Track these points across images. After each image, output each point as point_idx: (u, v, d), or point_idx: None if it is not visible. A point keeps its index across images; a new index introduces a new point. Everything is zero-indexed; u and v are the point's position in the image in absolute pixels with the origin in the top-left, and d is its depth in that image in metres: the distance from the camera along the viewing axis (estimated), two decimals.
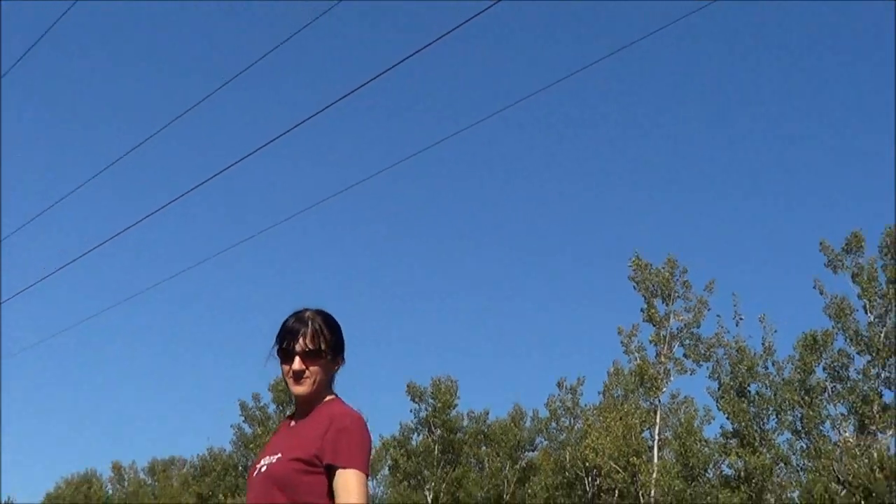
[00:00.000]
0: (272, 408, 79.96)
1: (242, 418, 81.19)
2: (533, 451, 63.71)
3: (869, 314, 48.35)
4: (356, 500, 5.24)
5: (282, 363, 5.58)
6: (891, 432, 47.90)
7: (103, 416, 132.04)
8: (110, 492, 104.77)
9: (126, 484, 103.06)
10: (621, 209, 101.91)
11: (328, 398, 5.66)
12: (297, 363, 5.48)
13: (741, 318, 51.54)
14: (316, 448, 5.38)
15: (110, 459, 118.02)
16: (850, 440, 47.86)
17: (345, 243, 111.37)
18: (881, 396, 48.01)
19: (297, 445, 5.52)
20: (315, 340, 5.52)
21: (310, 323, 5.58)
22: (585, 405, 60.90)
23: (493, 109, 75.14)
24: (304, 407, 5.67)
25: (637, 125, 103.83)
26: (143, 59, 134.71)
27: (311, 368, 5.53)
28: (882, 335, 47.71)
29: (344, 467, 5.26)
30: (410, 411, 68.35)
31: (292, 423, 5.83)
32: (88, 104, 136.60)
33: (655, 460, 52.61)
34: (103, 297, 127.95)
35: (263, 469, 5.63)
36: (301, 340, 5.49)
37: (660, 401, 54.05)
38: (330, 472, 5.25)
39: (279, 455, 5.54)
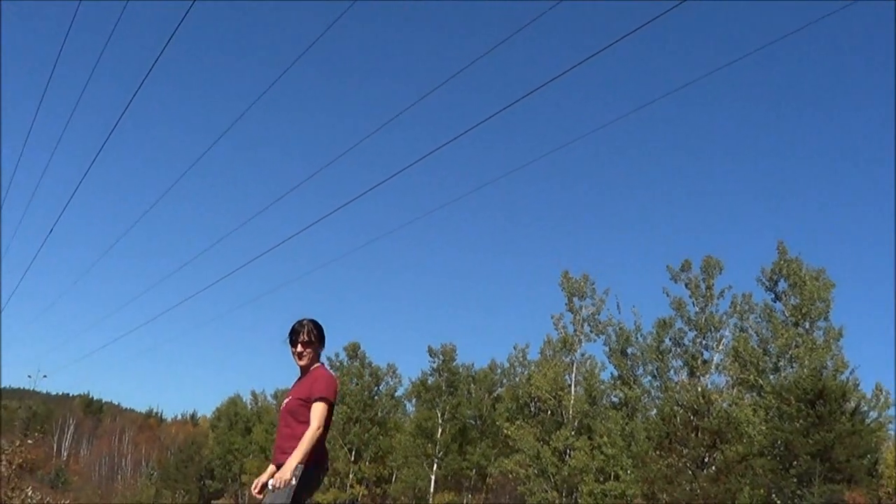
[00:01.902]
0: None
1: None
2: (501, 387, 75.96)
3: (695, 307, 61.12)
4: (315, 422, 8.38)
5: (291, 347, 8.86)
6: (708, 376, 60.37)
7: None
8: (249, 408, 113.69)
9: (258, 404, 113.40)
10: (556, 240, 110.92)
11: (315, 366, 8.93)
12: (299, 347, 8.80)
13: (620, 309, 67.58)
14: (307, 391, 8.62)
15: (250, 388, 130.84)
16: (685, 381, 60.55)
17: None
18: (702, 355, 60.76)
19: (298, 391, 8.76)
20: (308, 335, 8.84)
21: (305, 326, 8.90)
22: (530, 360, 74.09)
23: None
24: (304, 371, 8.91)
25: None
26: None
27: (307, 351, 8.86)
28: (703, 320, 60.83)
29: (315, 399, 8.47)
30: (428, 363, 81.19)
31: (298, 379, 8.96)
32: None
33: (573, 393, 65.78)
34: None
35: (283, 406, 8.86)
36: (298, 339, 8.83)
37: (575, 358, 67.46)
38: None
39: (290, 397, 8.82)
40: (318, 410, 8.33)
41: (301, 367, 8.88)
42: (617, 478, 60.68)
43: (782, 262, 59.43)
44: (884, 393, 57.06)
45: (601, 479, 61.09)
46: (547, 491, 63.13)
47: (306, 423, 8.38)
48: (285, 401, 8.87)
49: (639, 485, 57.65)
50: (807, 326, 57.94)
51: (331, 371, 8.86)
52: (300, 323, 8.87)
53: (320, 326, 8.93)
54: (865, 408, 54.65)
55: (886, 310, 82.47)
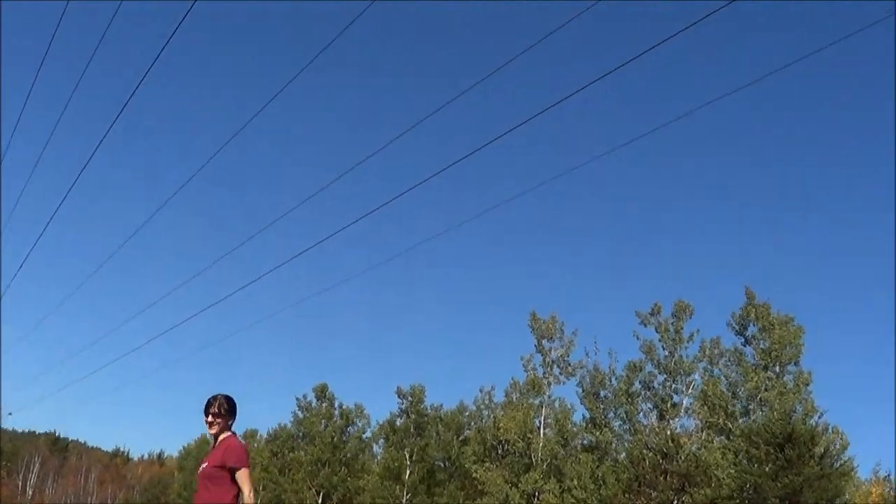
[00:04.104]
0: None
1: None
2: (469, 429, 73.78)
3: (665, 351, 59.95)
4: (247, 487, 9.31)
5: (204, 417, 9.61)
6: (677, 420, 59.15)
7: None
8: None
9: None
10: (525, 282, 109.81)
11: (225, 435, 9.68)
12: (210, 418, 9.64)
13: (597, 350, 64.27)
14: (220, 459, 9.38)
15: None
16: (654, 424, 59.27)
17: None
18: (672, 399, 59.46)
19: (213, 458, 9.48)
20: (219, 409, 9.68)
21: (217, 400, 9.70)
22: (496, 402, 72.38)
23: None
24: (214, 439, 9.68)
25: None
26: None
27: (216, 421, 9.62)
28: (673, 364, 59.52)
29: (236, 469, 9.28)
30: (397, 404, 79.87)
31: (210, 446, 9.77)
32: None
33: (542, 435, 64.57)
34: None
35: (200, 471, 9.55)
36: (210, 410, 9.66)
37: (544, 400, 66.31)
38: (231, 471, 9.27)
39: (206, 463, 9.46)
40: (245, 477, 9.30)
41: (212, 435, 9.76)
42: None
43: (751, 307, 58.58)
44: (840, 436, 55.49)
45: None
46: None
47: (223, 487, 9.33)
48: (202, 466, 9.67)
49: None
50: (777, 370, 57.05)
51: (240, 440, 9.78)
52: (213, 397, 9.77)
53: (232, 402, 9.81)
54: (835, 451, 53.55)
55: (852, 355, 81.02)
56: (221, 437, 9.69)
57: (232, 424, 9.79)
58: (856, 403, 79.71)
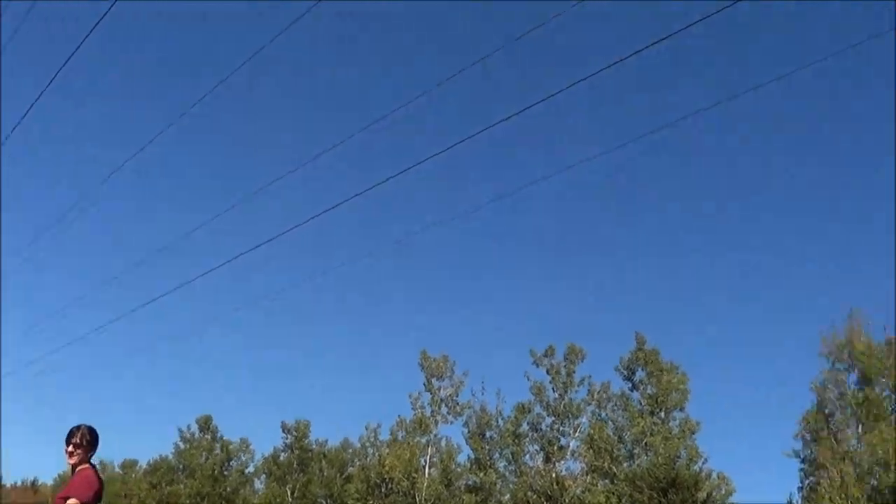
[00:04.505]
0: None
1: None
2: (353, 466, 71.63)
3: (555, 393, 59.57)
4: None
5: (65, 446, 9.53)
6: (563, 462, 58.82)
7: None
8: None
9: (105, 473, 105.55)
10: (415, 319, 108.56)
11: (81, 467, 9.57)
12: (70, 447, 9.55)
13: (484, 390, 62.87)
14: (67, 491, 9.41)
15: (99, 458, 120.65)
16: (540, 466, 58.89)
17: None
18: (559, 441, 59.18)
19: (66, 489, 9.51)
20: (80, 440, 9.55)
21: (80, 430, 9.60)
22: (381, 440, 70.00)
23: None
24: (72, 470, 9.62)
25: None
26: None
27: (76, 452, 9.52)
28: (562, 406, 59.22)
29: (72, 497, 9.23)
30: (281, 439, 77.75)
31: (70, 477, 9.74)
32: None
33: (427, 474, 63.36)
34: None
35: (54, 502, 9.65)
36: (71, 440, 9.55)
37: (430, 439, 64.95)
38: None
39: (59, 495, 9.56)
40: None
41: (70, 465, 9.62)
42: None
43: (640, 353, 58.44)
44: (725, 482, 55.63)
45: None
46: None
47: None
48: (57, 497, 9.52)
49: None
50: (662, 416, 56.86)
51: (96, 473, 9.55)
52: (77, 427, 9.62)
53: (94, 433, 9.64)
54: (718, 497, 54.02)
55: (731, 403, 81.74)
56: (79, 468, 9.60)
57: (91, 456, 9.67)
58: (743, 451, 79.77)
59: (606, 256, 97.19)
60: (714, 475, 55.16)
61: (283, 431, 74.53)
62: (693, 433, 55.99)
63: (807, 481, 50.71)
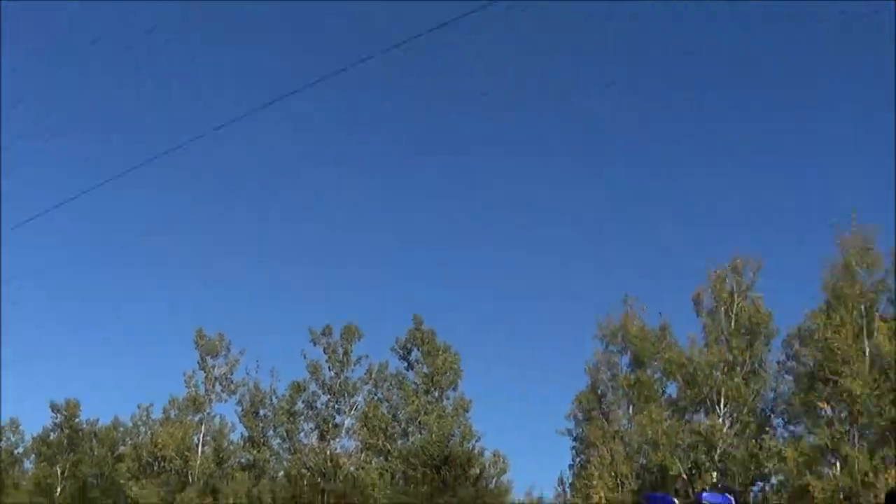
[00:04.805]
0: None
1: None
2: (124, 445, 59.50)
3: (331, 372, 50.42)
4: None
5: None
6: (338, 440, 50.16)
7: None
8: None
9: None
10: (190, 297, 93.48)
11: None
12: None
13: (258, 368, 52.76)
14: None
15: None
16: (314, 444, 50.23)
17: None
18: (334, 420, 50.37)
19: None
20: None
21: None
22: (154, 419, 57.67)
23: None
24: None
25: None
26: None
27: None
28: (338, 385, 50.21)
29: None
30: (50, 419, 63.85)
31: None
32: None
33: (200, 453, 53.40)
34: None
35: None
36: None
37: (204, 417, 54.41)
38: None
39: None
40: None
41: None
42: None
43: (416, 333, 50.41)
44: (501, 459, 48.52)
45: None
46: None
47: None
48: None
49: None
50: (436, 395, 49.28)
51: None
52: None
53: None
54: (489, 474, 46.06)
55: (505, 380, 72.35)
56: None
57: None
58: (519, 431, 70.64)
59: (384, 237, 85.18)
60: (487, 453, 48.21)
61: (53, 411, 61.56)
62: (466, 411, 48.67)
63: (578, 459, 44.09)
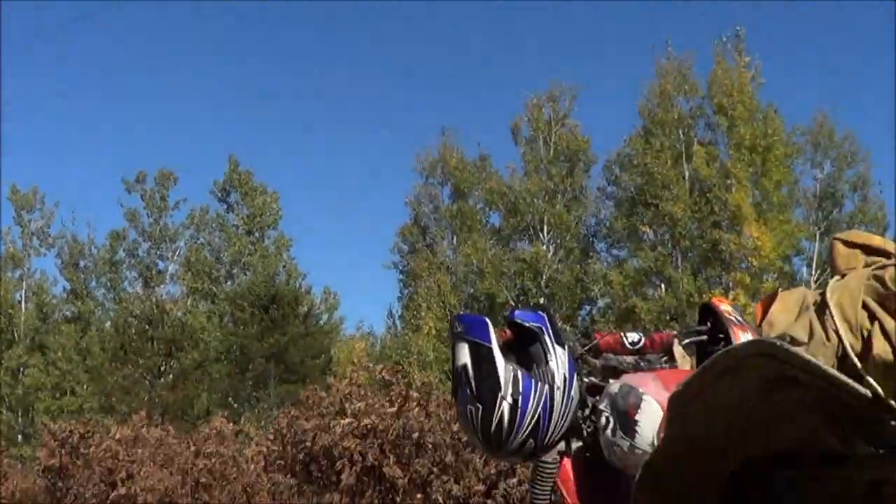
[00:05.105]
0: None
1: None
2: None
3: (150, 219, 41.45)
4: None
5: None
6: (163, 287, 41.84)
7: None
8: None
9: None
10: None
11: None
12: None
13: (74, 220, 43.15)
14: None
15: None
16: (139, 292, 41.93)
17: None
18: (157, 266, 41.93)
19: None
20: None
21: None
22: None
23: None
24: None
25: None
26: None
27: None
28: (158, 231, 41.40)
29: None
30: None
31: None
32: None
33: (23, 309, 43.18)
34: None
35: None
36: None
37: (24, 273, 43.76)
38: None
39: None
40: None
41: None
42: (73, 392, 40.65)
43: (234, 175, 41.43)
44: (332, 295, 41.14)
45: (57, 395, 40.83)
46: (2, 412, 41.22)
47: None
48: None
49: (96, 398, 39.07)
50: (258, 236, 41.22)
51: None
52: None
53: None
54: (318, 311, 39.54)
55: (328, 219, 63.06)
56: None
57: None
58: (348, 266, 62.02)
59: (195, 80, 69.85)
60: (318, 290, 40.75)
61: None
62: (288, 249, 41.05)
63: (406, 291, 37.44)
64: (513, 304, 31.56)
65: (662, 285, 28.53)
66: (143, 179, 41.15)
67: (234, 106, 60.83)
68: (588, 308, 32.28)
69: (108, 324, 42.26)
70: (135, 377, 39.71)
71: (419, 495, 5.05)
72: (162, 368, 39.88)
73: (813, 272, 28.98)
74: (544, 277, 31.24)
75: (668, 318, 27.69)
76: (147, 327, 41.37)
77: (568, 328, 29.66)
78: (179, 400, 38.35)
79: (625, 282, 28.78)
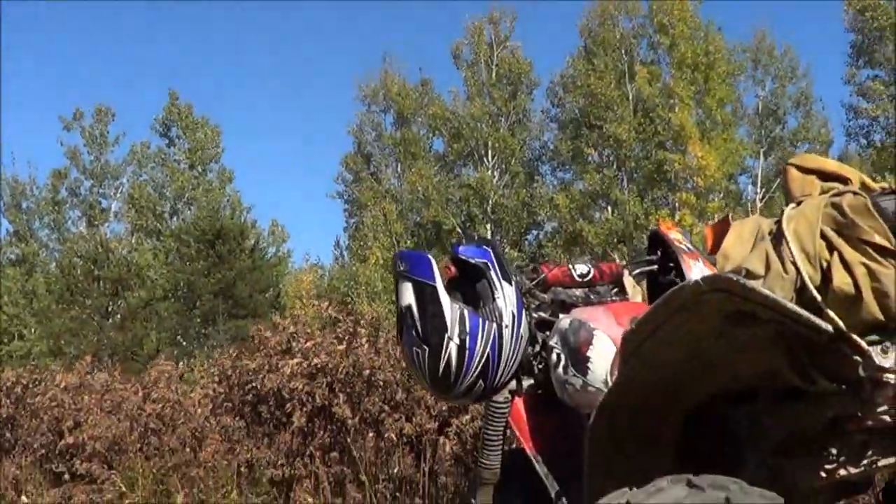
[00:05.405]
0: None
1: None
2: None
3: (91, 156, 40.08)
4: None
5: None
6: (107, 225, 40.73)
7: None
8: None
9: None
10: None
11: None
12: None
13: (14, 161, 42.47)
14: None
15: None
16: (83, 231, 40.60)
17: None
18: (100, 205, 40.69)
19: None
20: None
21: None
22: None
23: None
24: None
25: None
26: None
27: None
28: (99, 169, 40.04)
29: None
30: None
31: None
32: None
33: None
34: None
35: None
36: None
37: None
38: None
39: None
40: None
41: None
42: (21, 337, 39.52)
43: (173, 109, 39.89)
44: (280, 228, 40.14)
45: (5, 340, 39.10)
46: None
47: None
48: None
49: (44, 341, 37.41)
50: (200, 170, 39.90)
51: None
52: None
53: None
54: (265, 244, 38.19)
55: (272, 152, 61.25)
56: None
57: None
58: (294, 198, 60.45)
59: (130, 13, 66.00)
60: (265, 223, 39.83)
61: None
62: (231, 182, 39.96)
63: (352, 221, 36.74)
64: (459, 230, 31.35)
65: (609, 208, 28.47)
66: (81, 117, 39.84)
67: (170, 40, 58.65)
68: (535, 233, 32.07)
69: (53, 265, 41.75)
70: (82, 318, 38.90)
71: (371, 434, 4.97)
72: (109, 308, 39.12)
73: (758, 190, 29.14)
74: (490, 203, 30.97)
75: (615, 240, 27.78)
76: (93, 267, 40.48)
77: (515, 255, 29.79)
78: (128, 340, 37.63)
79: (571, 205, 28.61)
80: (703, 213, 26.22)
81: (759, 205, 28.73)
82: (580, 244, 28.58)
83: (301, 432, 5.12)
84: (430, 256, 2.69)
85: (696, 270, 2.76)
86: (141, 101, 69.75)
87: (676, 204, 26.90)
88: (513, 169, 31.24)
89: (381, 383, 4.90)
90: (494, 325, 2.62)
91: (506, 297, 2.66)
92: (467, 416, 4.56)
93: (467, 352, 2.57)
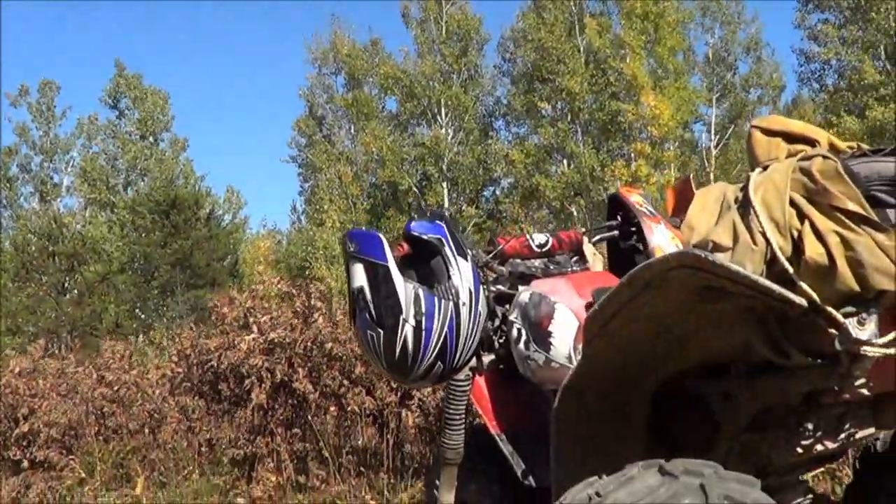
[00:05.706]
0: None
1: None
2: None
3: (39, 131, 38.89)
4: None
5: None
6: (60, 200, 39.70)
7: None
8: None
9: None
10: None
11: None
12: None
13: None
14: None
15: None
16: (36, 207, 39.81)
17: None
18: (52, 180, 39.48)
19: None
20: None
21: None
22: None
23: None
24: None
25: None
26: None
27: None
28: (49, 143, 39.02)
29: None
30: None
31: None
32: None
33: None
34: None
35: None
36: None
37: None
38: None
39: None
40: None
41: None
42: None
43: (121, 79, 38.72)
44: (235, 195, 39.73)
45: None
46: None
47: None
48: None
49: (1, 320, 37.13)
50: (151, 140, 38.89)
51: None
52: None
53: None
54: (220, 212, 38.08)
55: (223, 118, 59.86)
56: None
57: None
58: (248, 165, 59.41)
59: None
60: (221, 191, 39.42)
61: None
62: (184, 150, 38.99)
63: (307, 185, 36.20)
64: (416, 190, 31.04)
65: (565, 161, 28.32)
66: (27, 92, 38.53)
67: (116, 8, 56.70)
68: (492, 189, 31.82)
69: (7, 243, 40.80)
70: (39, 296, 38.10)
71: (332, 408, 4.85)
72: (66, 284, 38.34)
73: (713, 137, 29.23)
74: (445, 161, 30.56)
75: (572, 193, 27.73)
76: (47, 243, 39.60)
77: (473, 212, 29.55)
78: (87, 315, 37.01)
79: (527, 160, 28.42)
80: (658, 162, 26.21)
81: (713, 151, 28.82)
82: (537, 198, 28.52)
83: (261, 409, 4.98)
84: (380, 235, 2.54)
85: (657, 234, 2.65)
86: (89, 73, 68.19)
87: (632, 154, 26.85)
88: (467, 126, 30.84)
89: (341, 357, 4.76)
90: (451, 303, 2.48)
91: (462, 273, 2.52)
92: (428, 389, 4.46)
93: (424, 333, 2.44)
